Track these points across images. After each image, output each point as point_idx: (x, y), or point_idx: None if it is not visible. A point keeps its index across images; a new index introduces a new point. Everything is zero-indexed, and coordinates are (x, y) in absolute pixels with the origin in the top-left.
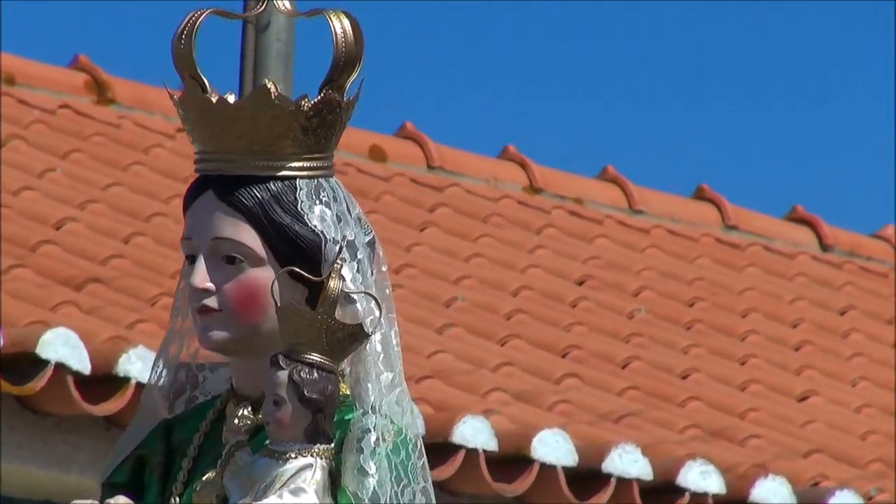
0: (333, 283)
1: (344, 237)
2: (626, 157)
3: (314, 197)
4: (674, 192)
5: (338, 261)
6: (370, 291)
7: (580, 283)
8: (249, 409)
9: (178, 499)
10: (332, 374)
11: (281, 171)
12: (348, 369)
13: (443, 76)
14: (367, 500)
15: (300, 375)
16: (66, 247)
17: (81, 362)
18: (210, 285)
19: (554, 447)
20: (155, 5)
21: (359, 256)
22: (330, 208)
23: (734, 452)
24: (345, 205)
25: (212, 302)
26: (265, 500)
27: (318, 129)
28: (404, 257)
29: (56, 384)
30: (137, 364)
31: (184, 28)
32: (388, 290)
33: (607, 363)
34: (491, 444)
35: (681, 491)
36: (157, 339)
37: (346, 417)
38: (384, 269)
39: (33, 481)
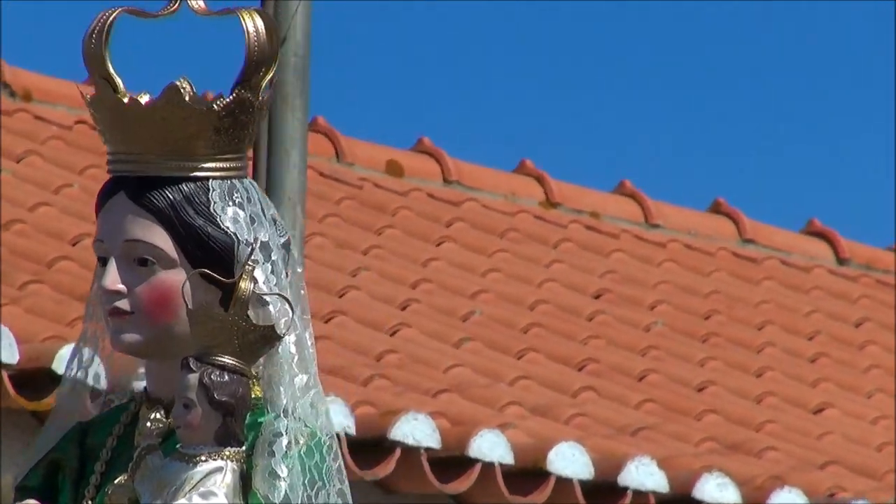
0: (245, 285)
1: (257, 239)
2: (642, 171)
3: (227, 198)
4: (690, 207)
5: (250, 262)
6: (284, 293)
7: (597, 297)
8: (162, 412)
9: (90, 502)
10: (244, 377)
11: (193, 171)
12: (265, 372)
13: (459, 91)
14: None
15: (210, 378)
16: (83, 262)
17: (97, 377)
18: (122, 287)
19: (570, 460)
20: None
21: (273, 258)
22: (243, 209)
23: (751, 465)
24: (259, 206)
25: (123, 304)
26: (174, 503)
27: (231, 130)
28: (421, 272)
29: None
30: None
31: (94, 28)
32: (303, 292)
33: (624, 376)
34: (507, 458)
35: (697, 503)
36: None
37: (259, 420)
38: (299, 270)
39: None
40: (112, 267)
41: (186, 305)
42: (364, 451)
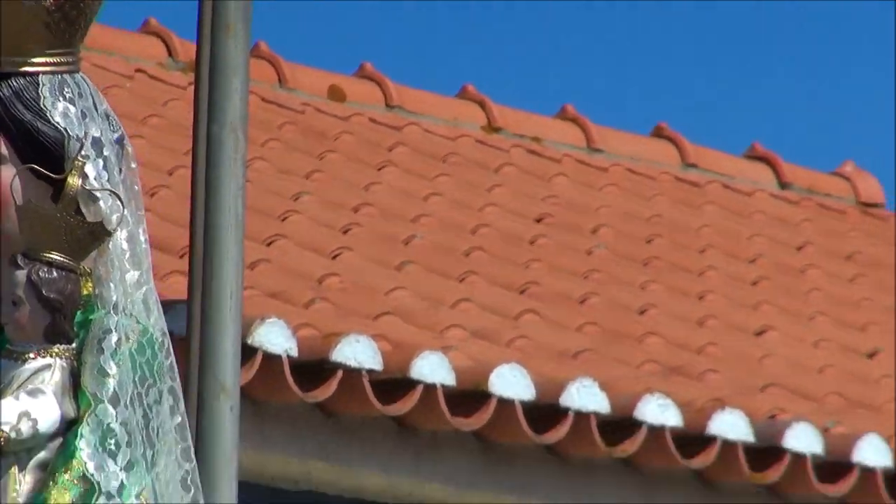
0: (73, 181)
1: (88, 134)
2: (585, 96)
3: (57, 93)
4: (633, 131)
5: (79, 158)
6: (116, 189)
7: (538, 221)
8: None
9: None
10: (73, 274)
11: (22, 66)
12: (96, 269)
13: (402, 16)
14: (106, 401)
15: (38, 275)
16: None
17: None
18: None
19: (512, 382)
20: None
21: (105, 154)
22: (74, 105)
23: (692, 387)
24: (91, 101)
25: None
26: (1, 401)
27: (60, 24)
28: (363, 196)
29: None
30: None
31: None
32: (137, 188)
33: (565, 300)
34: (449, 380)
35: (638, 424)
36: None
37: (90, 318)
38: (133, 166)
39: None
40: None
41: (15, 202)
42: (306, 373)
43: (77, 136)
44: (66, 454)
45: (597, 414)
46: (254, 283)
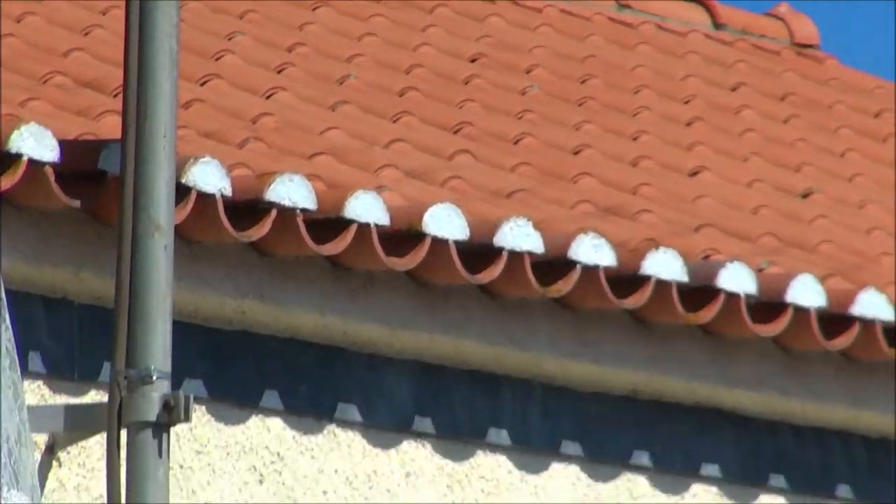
0: None
1: None
2: None
3: None
4: None
5: None
6: None
7: (473, 61)
8: None
9: None
10: None
11: None
12: None
13: None
14: None
15: None
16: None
17: None
18: None
19: (446, 222)
20: None
21: None
22: None
23: (626, 227)
24: None
25: None
26: None
27: None
28: (297, 36)
29: None
30: (30, 140)
31: None
32: None
33: (499, 140)
34: (383, 219)
35: (572, 264)
36: (51, 117)
37: None
38: None
39: None
40: None
41: None
42: (240, 213)
43: None
44: None
45: (531, 254)
46: (188, 123)
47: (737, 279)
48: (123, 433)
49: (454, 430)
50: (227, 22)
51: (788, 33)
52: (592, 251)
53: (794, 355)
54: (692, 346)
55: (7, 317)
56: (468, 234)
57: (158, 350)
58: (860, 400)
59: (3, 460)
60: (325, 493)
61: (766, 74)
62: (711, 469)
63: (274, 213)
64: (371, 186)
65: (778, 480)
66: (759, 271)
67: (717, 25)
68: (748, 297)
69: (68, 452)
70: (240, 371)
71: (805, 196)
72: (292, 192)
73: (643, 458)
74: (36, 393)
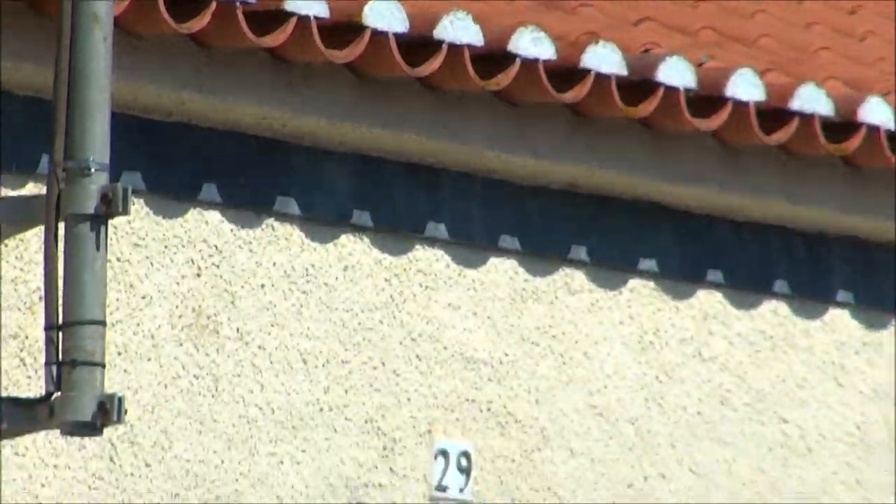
0: None
1: None
2: None
3: None
4: None
5: None
6: None
7: None
8: None
9: None
10: None
11: None
12: None
13: None
14: None
15: None
16: None
17: None
18: None
19: (386, 15)
20: None
21: None
22: None
23: (566, 21)
24: None
25: None
26: None
27: None
28: None
29: None
30: None
31: None
32: None
33: None
34: (322, 12)
35: (512, 57)
36: None
37: None
38: None
39: None
40: None
41: None
42: (179, 4)
43: None
44: None
45: (470, 46)
46: None
47: (676, 73)
48: (61, 225)
49: (393, 223)
50: None
51: None
52: (532, 44)
53: (733, 150)
54: (631, 140)
55: None
56: (408, 26)
57: (97, 142)
58: (799, 195)
59: None
60: (262, 286)
61: None
62: (649, 264)
63: (213, 3)
64: None
65: (715, 276)
66: (698, 65)
67: None
68: (687, 90)
69: (6, 245)
70: (178, 164)
71: None
72: None
73: (581, 252)
74: None
